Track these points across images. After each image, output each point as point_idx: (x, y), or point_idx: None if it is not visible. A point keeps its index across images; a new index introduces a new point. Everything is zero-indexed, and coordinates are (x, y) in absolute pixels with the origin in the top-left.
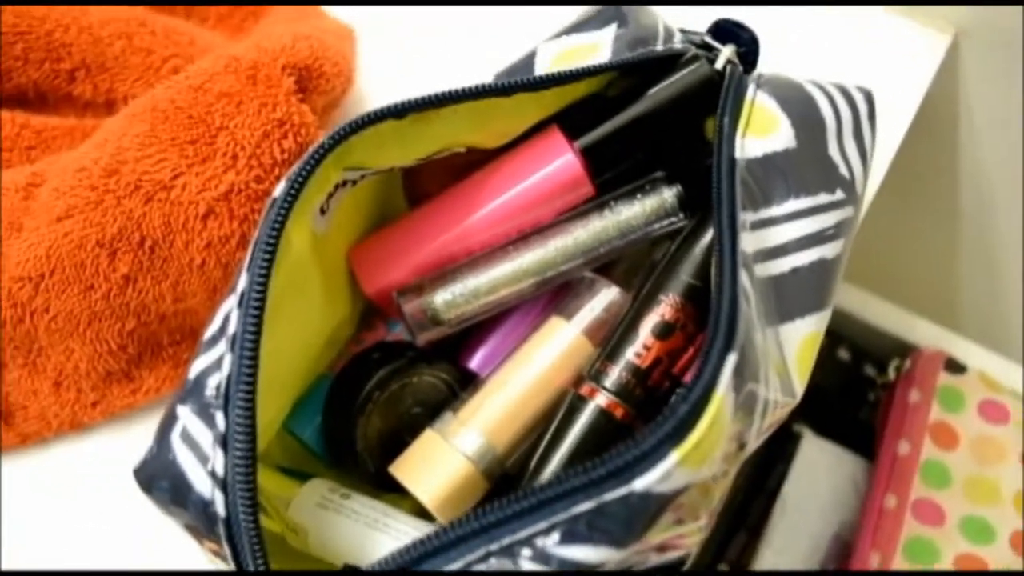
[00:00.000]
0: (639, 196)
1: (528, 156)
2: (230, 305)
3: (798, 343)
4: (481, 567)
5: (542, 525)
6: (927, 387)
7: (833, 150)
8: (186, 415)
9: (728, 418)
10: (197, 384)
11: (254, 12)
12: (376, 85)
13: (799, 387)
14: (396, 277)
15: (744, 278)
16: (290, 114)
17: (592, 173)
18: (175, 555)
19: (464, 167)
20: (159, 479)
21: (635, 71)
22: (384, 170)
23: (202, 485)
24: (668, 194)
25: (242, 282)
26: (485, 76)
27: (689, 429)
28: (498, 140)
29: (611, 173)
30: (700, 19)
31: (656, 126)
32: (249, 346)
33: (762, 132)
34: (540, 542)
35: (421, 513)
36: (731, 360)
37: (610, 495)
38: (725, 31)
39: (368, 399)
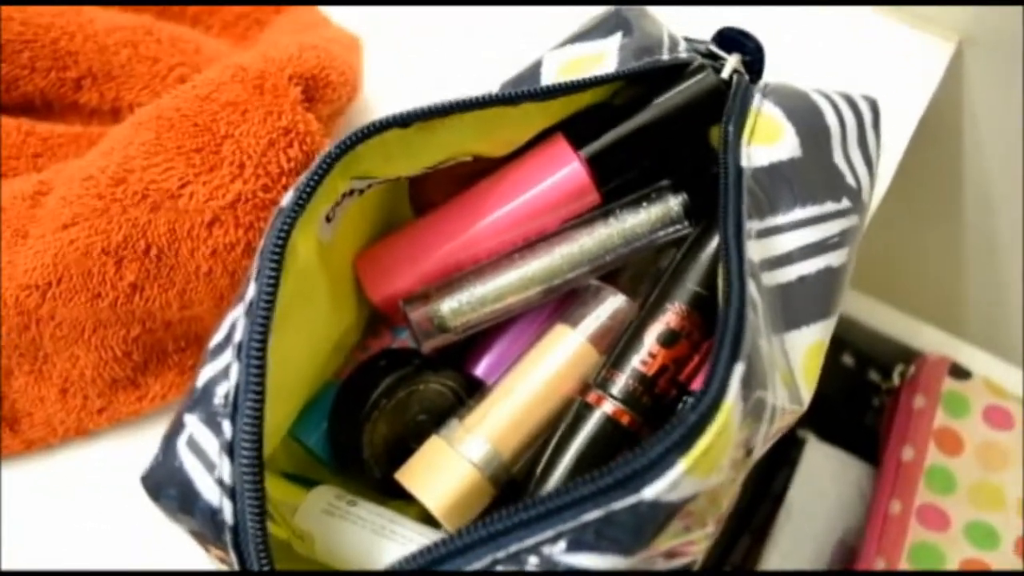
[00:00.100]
0: (645, 204)
1: (534, 165)
2: (237, 314)
3: (804, 351)
4: None
5: (549, 533)
6: (932, 393)
7: (839, 158)
8: (193, 423)
9: (736, 426)
10: (205, 392)
11: (259, 20)
12: (378, 88)
13: (806, 395)
14: (402, 285)
15: (751, 287)
16: (296, 123)
17: (598, 181)
18: (180, 561)
19: (470, 176)
20: (166, 486)
21: (641, 80)
22: (391, 179)
23: (209, 493)
24: (674, 202)
25: (249, 291)
26: (488, 79)
27: (697, 438)
28: (504, 149)
29: (617, 181)
30: (703, 20)
31: (662, 135)
32: (256, 355)
33: (768, 141)
34: (547, 550)
35: (427, 520)
36: (738, 369)
37: (619, 504)
38: (730, 40)
39: (374, 406)
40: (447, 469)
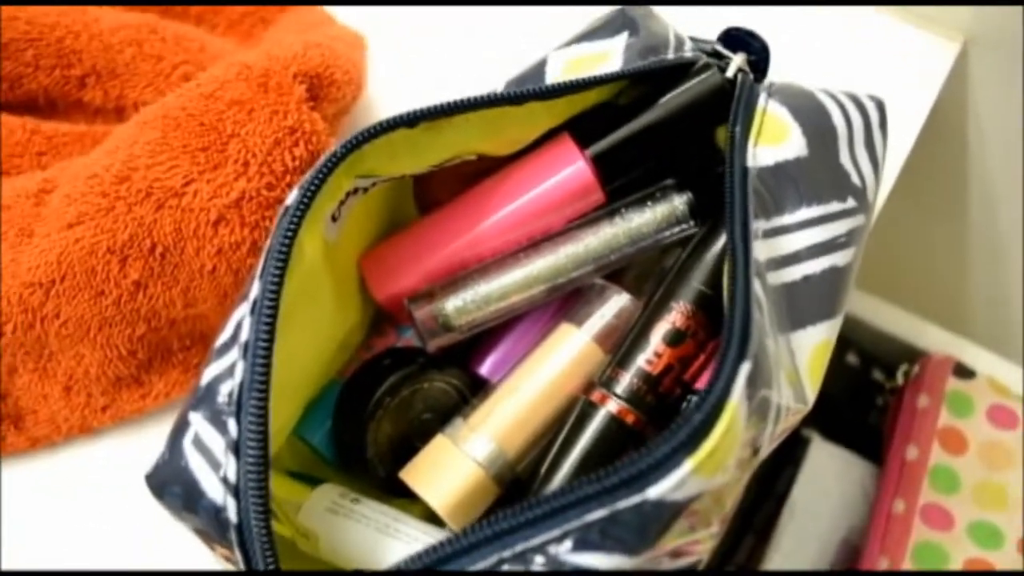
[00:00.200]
0: (650, 203)
1: (539, 164)
2: (242, 312)
3: (810, 350)
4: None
5: (555, 532)
6: (936, 392)
7: (845, 158)
8: (198, 421)
9: (742, 426)
10: (209, 391)
11: (264, 19)
12: (381, 88)
13: (811, 394)
14: (407, 284)
15: (757, 286)
16: (301, 122)
17: (603, 180)
18: (184, 559)
19: (475, 174)
20: (171, 485)
21: (646, 79)
22: (395, 177)
23: (214, 491)
24: (679, 201)
25: (254, 290)
26: (490, 79)
27: (703, 437)
28: (509, 148)
29: (622, 180)
30: (709, 21)
31: (667, 134)
32: (262, 353)
33: (774, 141)
34: (553, 549)
35: (431, 518)
36: (744, 369)
37: (624, 503)
38: (736, 39)
39: (379, 405)
40: (451, 468)
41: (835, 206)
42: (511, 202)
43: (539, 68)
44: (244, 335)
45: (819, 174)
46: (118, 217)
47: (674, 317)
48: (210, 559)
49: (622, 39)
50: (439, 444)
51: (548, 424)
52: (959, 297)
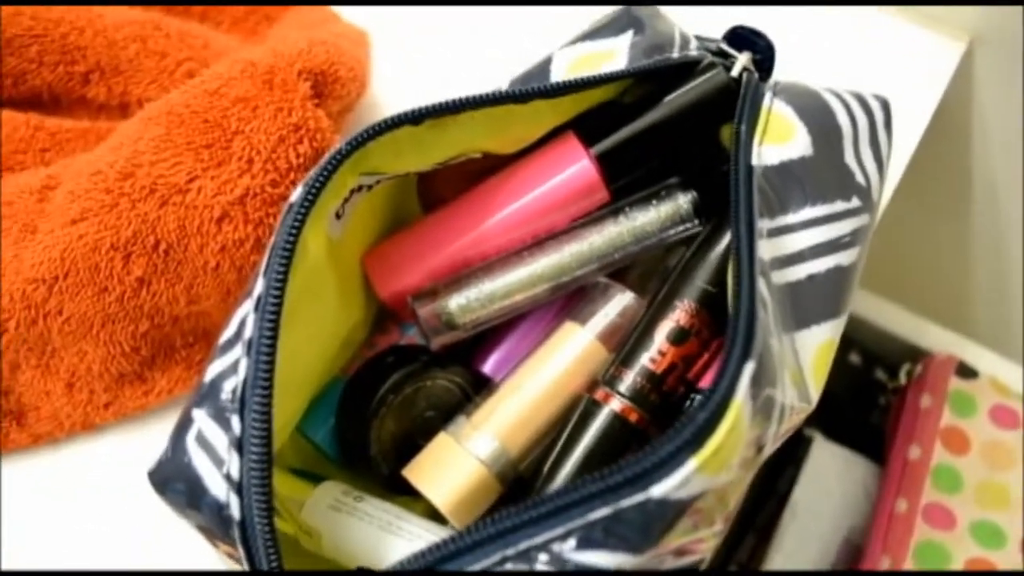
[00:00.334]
0: (654, 202)
1: (544, 162)
2: (246, 309)
3: (814, 350)
4: (497, 571)
5: (559, 531)
6: (938, 392)
7: (849, 158)
8: (201, 418)
9: (746, 424)
10: (213, 388)
11: (268, 16)
12: (385, 88)
13: (815, 394)
14: (410, 281)
15: (761, 285)
16: (306, 119)
17: (607, 179)
18: (186, 556)
19: (479, 172)
20: (174, 481)
21: (651, 78)
22: (400, 175)
23: (217, 488)
24: (683, 200)
25: (258, 287)
26: (494, 79)
27: (707, 436)
28: (514, 146)
29: (626, 179)
30: (714, 21)
31: (672, 133)
32: (265, 350)
33: (779, 140)
34: (556, 547)
35: (434, 516)
36: (749, 368)
37: (627, 501)
38: (741, 38)
39: (382, 402)
40: (454, 466)
41: (840, 205)
42: (515, 200)
43: (544, 66)
44: (248, 332)
45: (824, 173)
46: (122, 213)
47: (678, 316)
48: (213, 557)
49: (627, 37)
50: (442, 442)
51: (551, 422)
52: (962, 297)
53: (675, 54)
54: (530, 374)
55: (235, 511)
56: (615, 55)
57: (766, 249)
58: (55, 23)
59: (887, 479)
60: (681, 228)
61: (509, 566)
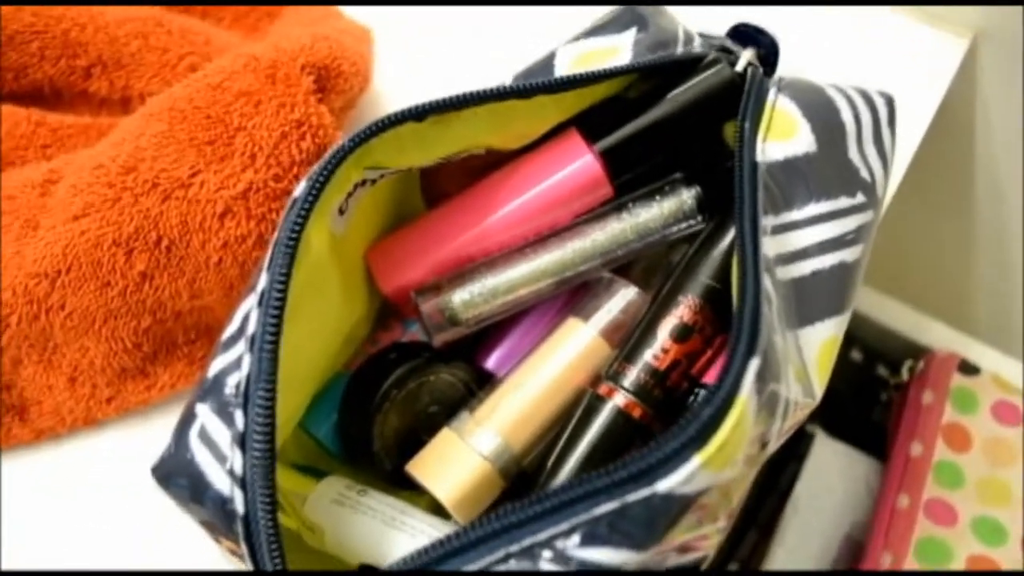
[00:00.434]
0: (658, 198)
1: (547, 158)
2: (249, 305)
3: (818, 346)
4: (501, 568)
5: (563, 527)
6: (940, 388)
7: (853, 154)
8: (205, 414)
9: (751, 421)
10: (216, 383)
11: (270, 12)
12: (386, 84)
13: (819, 390)
14: (413, 277)
15: (766, 282)
16: (308, 114)
17: (611, 175)
18: (189, 551)
19: (482, 168)
20: (177, 477)
21: (655, 74)
22: (403, 170)
23: (220, 483)
24: (687, 196)
25: (262, 282)
26: (494, 76)
27: (712, 432)
28: (517, 142)
29: (630, 175)
30: (718, 20)
31: (676, 129)
32: (269, 346)
33: (783, 136)
34: (560, 544)
35: (437, 511)
36: (754, 364)
37: (632, 497)
38: (745, 34)
39: (385, 398)
40: (458, 461)
41: (844, 202)
42: (519, 196)
43: (548, 62)
44: (251, 327)
45: (828, 169)
46: (124, 209)
47: (682, 311)
48: (215, 551)
49: (631, 34)
50: (445, 437)
51: (554, 418)
52: (964, 294)
53: (679, 50)
54: (533, 370)
55: (239, 506)
56: (619, 51)
57: (770, 246)
58: (56, 19)
59: (889, 475)
60: (684, 224)
61: (513, 562)
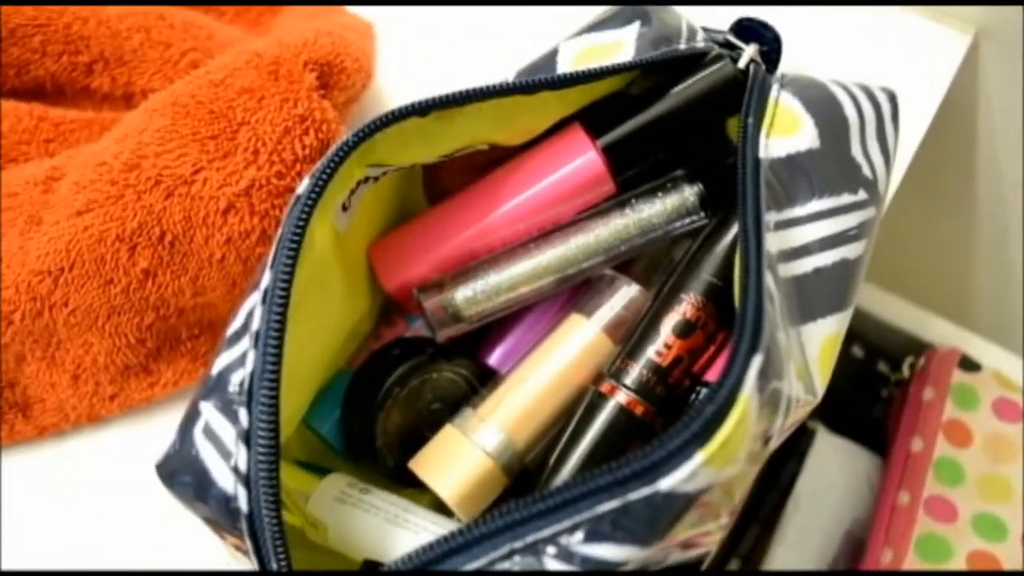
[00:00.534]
0: (660, 194)
1: (550, 153)
2: (253, 302)
3: (820, 343)
4: (505, 565)
5: (566, 523)
6: (941, 385)
7: (856, 151)
8: (209, 411)
9: (753, 418)
10: (220, 380)
11: (271, 8)
12: (389, 80)
13: (820, 386)
14: (416, 273)
15: (768, 279)
16: (311, 110)
17: (614, 171)
18: (192, 549)
19: (485, 164)
20: (181, 474)
21: (658, 69)
22: (406, 167)
23: (225, 481)
24: (689, 192)
25: (266, 279)
26: (497, 70)
27: (715, 429)
28: (521, 137)
29: (633, 171)
30: (720, 18)
31: (678, 125)
32: (273, 343)
33: (786, 132)
34: (564, 540)
35: (440, 508)
36: (756, 361)
37: (635, 494)
38: (748, 30)
39: (388, 394)
40: (460, 458)
41: (846, 198)
42: (522, 192)
43: (550, 57)
44: (255, 324)
45: (831, 166)
46: (127, 205)
47: (684, 308)
48: (219, 549)
49: (634, 29)
50: (448, 434)
51: (557, 415)
52: (965, 290)
53: (682, 46)
54: (536, 366)
55: (243, 504)
56: (622, 46)
57: (773, 242)
58: (58, 13)
59: (889, 471)
60: (687, 221)
61: (517, 559)
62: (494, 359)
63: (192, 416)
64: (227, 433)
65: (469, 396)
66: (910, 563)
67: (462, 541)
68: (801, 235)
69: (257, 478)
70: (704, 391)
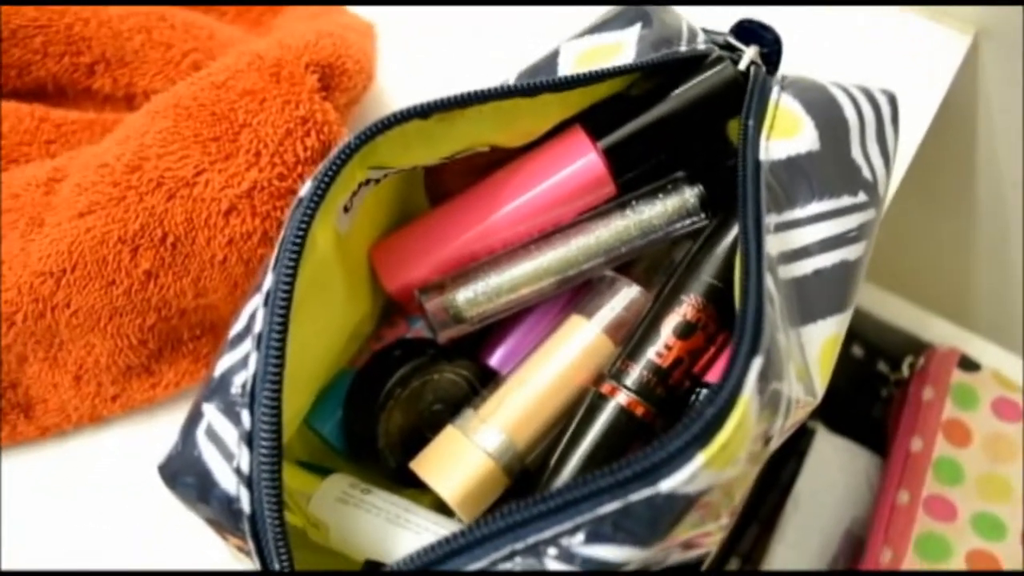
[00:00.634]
0: (661, 196)
1: (551, 155)
2: (255, 304)
3: (820, 344)
4: (506, 566)
5: (568, 525)
6: (941, 384)
7: (856, 152)
8: (211, 412)
9: (753, 419)
10: (223, 382)
11: (272, 8)
12: (390, 81)
13: (820, 388)
14: (417, 275)
15: (768, 280)
16: (313, 112)
17: (614, 173)
18: (195, 549)
19: (486, 166)
20: (184, 475)
21: (659, 71)
22: (407, 168)
23: (227, 482)
24: (690, 194)
25: (268, 281)
26: (498, 71)
27: (715, 431)
28: (522, 139)
29: (633, 173)
30: (720, 19)
31: (679, 127)
32: (275, 345)
33: (786, 134)
34: (565, 541)
35: (441, 508)
36: (756, 363)
37: (636, 496)
38: (748, 32)
39: (389, 395)
40: (462, 459)
41: (846, 200)
42: (523, 194)
43: (551, 59)
44: (258, 327)
45: (831, 168)
46: (129, 206)
47: (684, 310)
48: (221, 549)
49: (635, 30)
50: (449, 435)
51: (558, 416)
52: (965, 290)
53: (683, 47)
54: (537, 367)
55: (245, 505)
56: (623, 48)
57: (773, 244)
58: (60, 14)
59: (889, 471)
60: (688, 222)
61: (518, 560)
62: (495, 360)
63: (195, 417)
64: (229, 435)
65: (470, 397)
66: (909, 562)
67: (464, 542)
68: (801, 237)
69: (259, 480)
70: (704, 392)
